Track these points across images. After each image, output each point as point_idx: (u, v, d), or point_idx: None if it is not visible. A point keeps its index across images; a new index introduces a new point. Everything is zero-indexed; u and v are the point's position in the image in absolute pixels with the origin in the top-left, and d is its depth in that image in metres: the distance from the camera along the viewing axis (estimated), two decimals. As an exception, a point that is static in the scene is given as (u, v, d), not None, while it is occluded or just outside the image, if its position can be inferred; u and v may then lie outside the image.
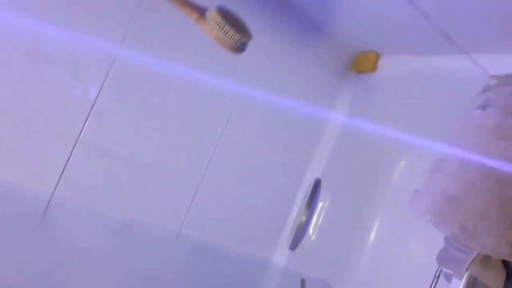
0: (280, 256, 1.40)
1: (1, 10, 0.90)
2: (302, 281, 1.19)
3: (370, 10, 1.16)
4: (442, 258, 0.84)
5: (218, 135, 1.24)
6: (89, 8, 1.00)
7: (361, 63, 1.44)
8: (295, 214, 1.42)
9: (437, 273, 0.95)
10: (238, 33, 0.85)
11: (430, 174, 0.88)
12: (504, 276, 0.76)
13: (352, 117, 1.44)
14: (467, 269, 0.76)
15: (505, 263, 0.77)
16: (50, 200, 1.02)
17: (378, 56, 1.40)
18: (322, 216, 1.46)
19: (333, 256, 1.48)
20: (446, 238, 0.85)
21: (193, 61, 1.13)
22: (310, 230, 1.45)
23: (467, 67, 1.09)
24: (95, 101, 1.04)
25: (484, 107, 0.84)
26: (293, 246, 1.37)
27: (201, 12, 0.87)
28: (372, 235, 1.52)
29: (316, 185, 1.39)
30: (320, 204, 1.45)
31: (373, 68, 1.40)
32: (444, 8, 0.96)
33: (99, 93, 1.03)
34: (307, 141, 1.45)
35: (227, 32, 0.85)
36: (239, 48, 0.87)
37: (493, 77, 0.68)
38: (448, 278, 0.83)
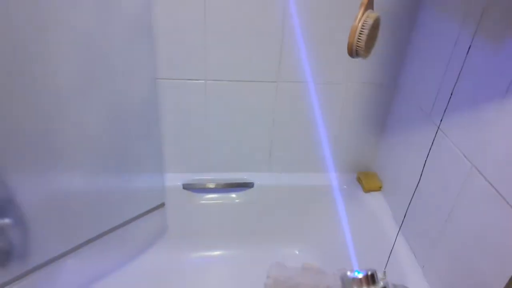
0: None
1: None
2: None
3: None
4: None
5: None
6: None
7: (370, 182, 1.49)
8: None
9: None
10: (365, 45, 0.88)
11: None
12: None
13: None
14: None
15: None
16: None
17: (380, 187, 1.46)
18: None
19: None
20: None
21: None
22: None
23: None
24: None
25: None
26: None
27: (370, 4, 0.90)
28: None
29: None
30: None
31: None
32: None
33: None
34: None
35: (362, 35, 0.88)
36: (353, 52, 0.90)
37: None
38: None
